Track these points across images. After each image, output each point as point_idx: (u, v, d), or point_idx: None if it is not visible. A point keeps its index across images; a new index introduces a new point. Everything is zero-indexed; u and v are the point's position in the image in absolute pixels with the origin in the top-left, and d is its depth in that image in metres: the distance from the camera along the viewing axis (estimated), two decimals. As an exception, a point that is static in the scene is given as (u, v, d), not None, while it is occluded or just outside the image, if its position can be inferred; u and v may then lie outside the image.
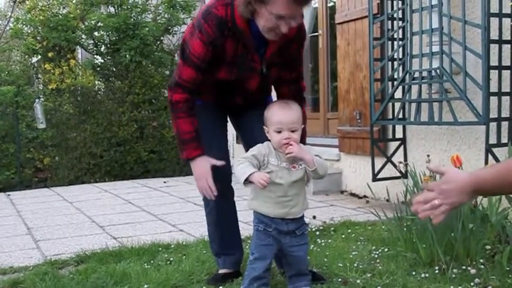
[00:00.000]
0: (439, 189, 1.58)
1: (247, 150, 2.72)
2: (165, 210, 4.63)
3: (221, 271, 2.63)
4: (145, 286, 2.49)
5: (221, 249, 2.66)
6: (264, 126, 2.31)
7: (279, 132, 2.22)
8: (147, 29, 7.56)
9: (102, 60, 8.11)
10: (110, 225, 4.08)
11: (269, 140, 2.29)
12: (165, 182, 6.50)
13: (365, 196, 4.75)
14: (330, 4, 5.86)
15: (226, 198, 2.63)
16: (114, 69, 7.84)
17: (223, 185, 2.55)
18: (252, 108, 2.63)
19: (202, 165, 2.44)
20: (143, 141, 7.50)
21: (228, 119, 2.78)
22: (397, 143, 4.41)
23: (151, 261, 2.95)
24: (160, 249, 3.21)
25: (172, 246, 3.28)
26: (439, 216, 1.59)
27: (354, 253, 2.92)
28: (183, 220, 4.17)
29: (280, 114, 2.24)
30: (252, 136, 2.58)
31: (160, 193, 5.69)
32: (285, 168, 2.25)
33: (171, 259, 2.97)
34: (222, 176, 2.54)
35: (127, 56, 7.49)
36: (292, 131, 2.22)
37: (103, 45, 7.98)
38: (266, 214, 2.27)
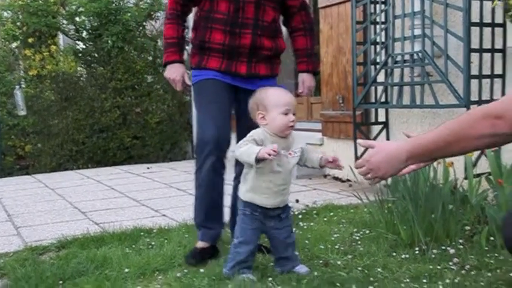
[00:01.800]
0: (368, 164, 1.68)
1: (238, 138, 2.79)
2: (148, 196, 4.61)
3: (199, 244, 2.70)
4: (126, 270, 2.48)
5: (203, 221, 2.74)
6: (259, 112, 2.27)
7: (286, 114, 2.22)
8: (129, 14, 7.47)
9: (84, 46, 8.01)
10: (92, 211, 4.05)
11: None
12: (148, 168, 6.47)
13: (348, 180, 4.77)
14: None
15: (218, 173, 2.68)
16: (96, 55, 7.75)
17: (218, 158, 2.64)
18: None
19: (178, 68, 2.67)
20: (126, 127, 7.45)
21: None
22: (380, 126, 4.42)
23: (133, 246, 2.94)
24: (142, 234, 3.20)
25: (155, 231, 3.27)
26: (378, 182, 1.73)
27: (335, 235, 2.93)
28: (166, 205, 4.15)
29: (286, 97, 2.26)
30: (247, 126, 2.63)
31: (144, 179, 5.66)
32: (283, 156, 2.24)
33: (153, 243, 2.96)
34: (220, 145, 2.63)
35: (109, 41, 7.40)
36: (294, 114, 2.25)
37: (84, 31, 7.87)
38: (263, 205, 2.27)
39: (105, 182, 5.49)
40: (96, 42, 7.64)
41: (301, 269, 2.37)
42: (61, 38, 9.43)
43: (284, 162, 2.24)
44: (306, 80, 2.89)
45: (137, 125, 7.47)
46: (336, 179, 4.96)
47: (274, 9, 2.74)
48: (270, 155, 2.08)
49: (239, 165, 2.83)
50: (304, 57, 2.87)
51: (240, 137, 2.78)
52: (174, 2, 2.73)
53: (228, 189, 2.80)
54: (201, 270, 2.45)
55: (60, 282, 2.37)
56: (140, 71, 7.63)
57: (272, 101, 2.24)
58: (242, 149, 2.18)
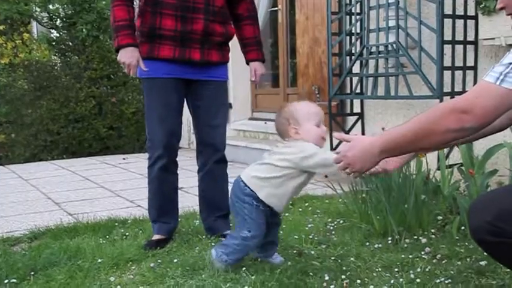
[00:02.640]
0: (345, 159, 1.71)
1: (197, 132, 2.85)
2: (123, 187, 4.58)
3: (156, 236, 2.77)
4: (100, 260, 2.46)
5: (158, 216, 2.82)
6: (291, 126, 2.23)
7: (318, 126, 2.22)
8: (104, 2, 7.38)
9: (58, 35, 7.90)
10: (66, 202, 4.01)
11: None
12: (124, 159, 6.42)
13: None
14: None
15: (170, 172, 2.80)
16: (71, 43, 7.64)
17: (169, 161, 2.76)
18: (209, 87, 2.75)
19: (133, 52, 2.56)
20: (102, 117, 7.38)
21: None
22: (355, 117, 4.45)
23: (107, 237, 2.92)
24: (116, 224, 3.18)
25: (129, 221, 3.25)
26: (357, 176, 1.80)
27: (310, 225, 2.95)
28: (141, 196, 4.12)
29: (316, 108, 2.25)
30: (204, 117, 2.78)
31: (119, 169, 5.62)
32: None
33: (127, 234, 2.95)
34: (170, 151, 2.74)
35: (83, 30, 7.31)
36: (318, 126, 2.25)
37: (58, 19, 7.76)
38: (275, 208, 2.28)
39: (80, 173, 5.43)
40: (71, 30, 7.54)
41: (276, 259, 2.39)
42: (34, 26, 9.29)
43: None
44: (257, 68, 2.88)
45: (113, 115, 7.40)
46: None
47: None
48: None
49: (201, 158, 2.85)
50: (253, 46, 2.86)
51: (199, 133, 2.83)
52: None
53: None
54: (175, 260, 2.45)
55: (32, 273, 2.34)
56: (115, 60, 7.51)
57: (304, 114, 2.22)
58: (318, 159, 2.12)
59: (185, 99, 2.82)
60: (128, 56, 2.57)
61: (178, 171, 2.89)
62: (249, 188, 2.26)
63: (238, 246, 2.28)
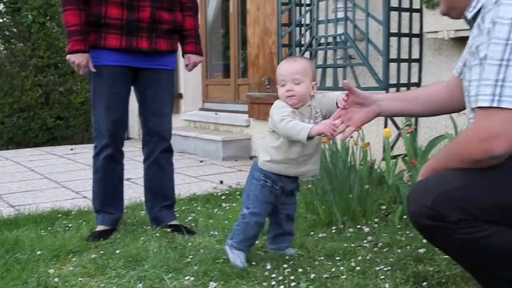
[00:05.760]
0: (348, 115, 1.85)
1: (144, 121, 2.79)
2: (69, 177, 4.48)
3: (99, 227, 2.75)
4: (39, 252, 2.40)
5: (102, 207, 2.79)
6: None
7: (283, 85, 2.12)
8: (51, -12, 7.18)
9: (1, 20, 7.62)
10: (8, 194, 3.89)
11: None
12: (71, 150, 6.28)
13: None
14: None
15: (115, 161, 2.77)
16: (15, 30, 7.40)
17: (115, 150, 2.73)
18: (157, 76, 2.72)
19: (83, 55, 2.55)
20: (49, 107, 7.20)
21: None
22: (304, 108, 4.46)
23: (49, 228, 2.85)
24: (60, 216, 3.11)
25: (73, 213, 3.19)
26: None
27: (256, 216, 2.94)
28: (87, 187, 4.01)
29: (282, 67, 2.15)
30: (151, 106, 2.74)
31: (66, 160, 5.50)
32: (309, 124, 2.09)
33: (70, 226, 2.89)
34: (116, 140, 2.71)
35: (29, 16, 7.08)
36: (296, 84, 2.10)
37: (1, 4, 7.48)
38: (285, 174, 2.17)
39: (24, 164, 5.28)
40: (15, 16, 7.29)
41: (288, 251, 2.32)
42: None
43: None
44: (192, 57, 2.85)
45: (61, 105, 7.23)
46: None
47: None
48: (330, 134, 1.95)
49: (148, 147, 2.82)
50: (192, 38, 2.83)
51: (145, 122, 2.80)
52: None
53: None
54: (118, 251, 2.41)
55: (-33, 266, 2.26)
56: (63, 48, 7.34)
57: (276, 74, 2.18)
58: (288, 126, 2.04)
59: (132, 88, 2.78)
60: (79, 56, 2.56)
61: (127, 162, 2.85)
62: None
63: (238, 226, 2.23)
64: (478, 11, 1.54)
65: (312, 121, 2.12)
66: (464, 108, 1.78)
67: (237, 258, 2.18)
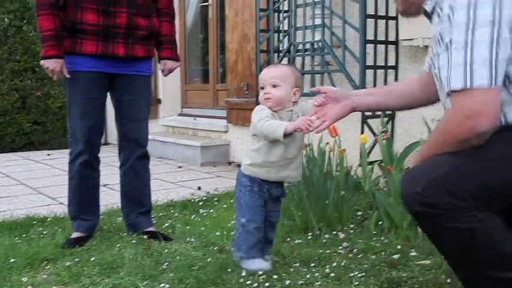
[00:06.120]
0: (322, 111, 1.85)
1: (120, 127, 2.78)
2: (45, 183, 4.44)
3: (75, 234, 2.72)
4: (12, 260, 2.37)
5: (78, 213, 2.77)
6: None
7: (263, 88, 2.17)
8: (27, -9, 7.10)
9: (-23, 24, 7.52)
10: (-18, 200, 3.84)
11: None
12: (48, 155, 6.22)
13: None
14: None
15: (91, 168, 2.75)
16: (-9, 33, 7.30)
17: (91, 156, 2.72)
18: (133, 82, 2.71)
19: (57, 60, 2.54)
20: (26, 111, 7.09)
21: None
22: (282, 114, 4.48)
23: (24, 236, 2.82)
24: (35, 222, 3.08)
25: (49, 219, 3.16)
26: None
27: (233, 222, 2.93)
28: (64, 193, 3.92)
29: (263, 72, 2.21)
30: (128, 112, 2.74)
31: (43, 166, 5.44)
32: None
33: (45, 232, 2.86)
34: (92, 146, 2.70)
35: (5, 19, 6.99)
36: (274, 87, 2.14)
37: (-22, 7, 7.39)
38: (265, 179, 2.18)
39: (0, 169, 5.21)
40: (-9, 20, 7.19)
41: (265, 257, 2.29)
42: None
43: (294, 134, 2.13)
44: (168, 63, 2.85)
45: (38, 110, 7.14)
46: (240, 166, 4.98)
47: None
48: (306, 128, 1.96)
49: (124, 153, 2.80)
50: (169, 44, 2.83)
51: (121, 128, 2.78)
52: None
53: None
54: (93, 258, 2.39)
55: None
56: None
57: (259, 80, 2.23)
58: (264, 126, 2.07)
59: (108, 94, 2.77)
60: (53, 62, 2.54)
61: (105, 167, 2.84)
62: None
63: (240, 235, 2.22)
64: (435, 3, 1.59)
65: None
66: (437, 100, 1.81)
67: (255, 265, 2.17)
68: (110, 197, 3.67)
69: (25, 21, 7.18)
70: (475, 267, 1.53)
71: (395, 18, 3.56)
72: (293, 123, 2.03)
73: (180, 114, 6.38)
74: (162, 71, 2.87)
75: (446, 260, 1.65)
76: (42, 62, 2.57)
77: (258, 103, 4.43)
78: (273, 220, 2.32)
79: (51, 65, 2.54)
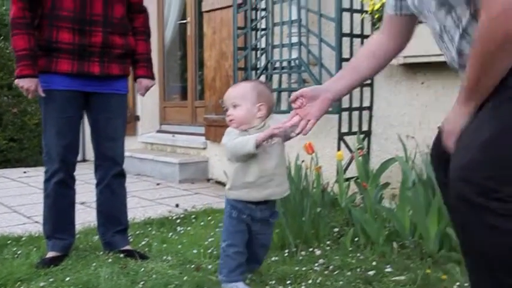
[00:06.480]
0: (304, 112, 1.79)
1: (96, 146, 2.79)
2: (21, 202, 4.38)
3: (50, 254, 2.70)
4: (-15, 282, 2.34)
5: (53, 232, 2.75)
6: None
7: (227, 110, 2.15)
8: (4, 8, 7.06)
9: (-46, 40, 7.46)
10: (-45, 219, 3.78)
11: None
12: (25, 172, 6.15)
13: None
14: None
15: (67, 186, 2.73)
16: (-32, 50, 7.25)
17: (66, 175, 2.70)
18: (109, 100, 2.71)
19: (32, 79, 2.53)
20: (2, 128, 7.02)
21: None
22: (260, 131, 4.51)
23: (-3, 256, 2.79)
24: (9, 242, 3.03)
25: (24, 238, 3.12)
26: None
27: (210, 240, 2.94)
28: (40, 211, 3.86)
29: (225, 95, 2.20)
30: (104, 131, 2.74)
31: (19, 184, 5.37)
32: (257, 147, 2.06)
33: (19, 252, 2.82)
34: (67, 165, 2.68)
35: (-19, 36, 6.96)
36: (234, 107, 2.12)
37: (-46, 23, 7.34)
38: (249, 200, 2.14)
39: (-26, 187, 5.14)
40: (-33, 36, 7.14)
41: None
42: None
43: (262, 155, 2.10)
44: (143, 81, 2.85)
45: (14, 127, 7.07)
46: (218, 183, 4.99)
47: (122, 5, 2.70)
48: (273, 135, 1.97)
49: (100, 171, 2.80)
50: (144, 62, 2.84)
51: (97, 146, 2.79)
52: (20, 9, 2.53)
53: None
54: (68, 278, 2.37)
55: None
56: (18, 69, 7.21)
57: None
58: (234, 143, 2.05)
59: (84, 112, 2.76)
60: (27, 81, 2.54)
61: (82, 185, 2.82)
62: None
63: (222, 259, 2.22)
64: None
65: (264, 143, 2.09)
66: (407, 44, 1.78)
67: None
68: (87, 215, 3.64)
69: (1, 37, 7.13)
70: (503, 275, 1.34)
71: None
72: (263, 132, 2.03)
73: (159, 131, 6.37)
74: (139, 90, 2.87)
75: (472, 260, 1.45)
76: (16, 81, 2.56)
77: (235, 120, 4.45)
78: (262, 242, 2.28)
79: (25, 84, 2.53)
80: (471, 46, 1.38)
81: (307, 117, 1.82)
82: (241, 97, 2.14)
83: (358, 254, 2.57)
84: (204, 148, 5.28)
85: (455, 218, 1.45)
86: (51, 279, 2.38)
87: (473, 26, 1.41)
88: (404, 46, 1.78)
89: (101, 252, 2.78)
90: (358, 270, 2.35)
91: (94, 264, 2.59)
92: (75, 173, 2.79)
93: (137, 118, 6.39)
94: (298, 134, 1.85)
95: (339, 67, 3.53)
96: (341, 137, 3.64)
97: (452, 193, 1.38)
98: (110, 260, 2.64)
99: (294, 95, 1.86)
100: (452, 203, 1.40)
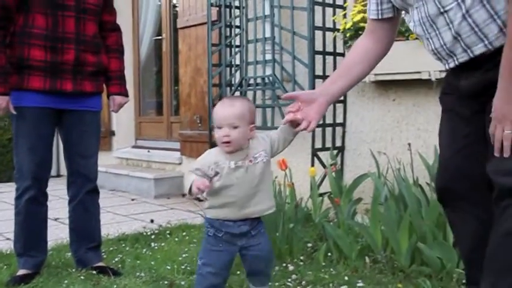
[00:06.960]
0: (304, 114, 1.86)
1: (69, 163, 2.80)
2: (-8, 218, 4.32)
3: (21, 271, 2.67)
4: (-48, 302, 2.30)
5: (24, 250, 2.71)
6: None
7: (220, 128, 1.99)
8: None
9: None
10: None
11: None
12: (-3, 188, 6.07)
13: (206, 199, 4.80)
14: (174, 9, 5.89)
15: (39, 203, 2.71)
16: None
17: (38, 192, 2.68)
18: (82, 117, 2.71)
19: (3, 97, 2.52)
20: (-26, 144, 6.94)
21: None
22: (235, 146, 4.53)
23: (-34, 274, 2.74)
24: (-21, 260, 3.00)
25: (-6, 256, 3.08)
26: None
27: (184, 255, 2.94)
28: (11, 228, 3.87)
29: (220, 111, 2.01)
30: (77, 148, 2.74)
31: (-10, 200, 5.30)
32: (239, 168, 2.00)
33: (-11, 270, 2.79)
34: (40, 182, 2.67)
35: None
36: (234, 127, 1.97)
37: None
38: (227, 219, 2.04)
39: None
40: None
41: None
42: None
43: (241, 174, 2.01)
44: (117, 99, 2.87)
45: (-14, 142, 6.99)
46: (194, 198, 4.98)
47: (95, 23, 2.71)
48: (199, 189, 1.91)
49: (73, 188, 2.79)
50: (117, 80, 2.85)
51: (70, 163, 2.79)
52: None
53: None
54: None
55: None
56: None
57: (213, 116, 2.06)
58: (193, 177, 1.99)
59: (57, 129, 2.76)
60: None
61: (56, 200, 2.80)
62: None
63: (196, 279, 2.12)
64: None
65: (247, 162, 2.02)
66: (389, 47, 1.88)
67: None
68: (60, 231, 3.61)
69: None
70: None
71: (342, 54, 3.68)
72: (194, 184, 1.95)
73: (134, 146, 6.35)
74: (112, 107, 2.88)
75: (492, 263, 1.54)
76: None
77: (211, 135, 4.48)
78: (255, 254, 2.12)
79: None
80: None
81: (308, 118, 1.88)
82: (241, 118, 1.99)
83: (331, 269, 2.59)
84: (180, 163, 5.28)
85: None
86: (22, 298, 2.36)
87: (475, 7, 1.52)
88: (389, 47, 1.90)
89: (73, 269, 2.76)
90: (331, 285, 2.38)
91: (66, 281, 2.57)
92: (49, 189, 2.77)
93: (112, 133, 6.36)
94: (303, 130, 1.90)
95: (312, 83, 3.59)
96: (315, 152, 3.69)
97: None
98: (82, 277, 2.63)
99: (287, 94, 2.01)
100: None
